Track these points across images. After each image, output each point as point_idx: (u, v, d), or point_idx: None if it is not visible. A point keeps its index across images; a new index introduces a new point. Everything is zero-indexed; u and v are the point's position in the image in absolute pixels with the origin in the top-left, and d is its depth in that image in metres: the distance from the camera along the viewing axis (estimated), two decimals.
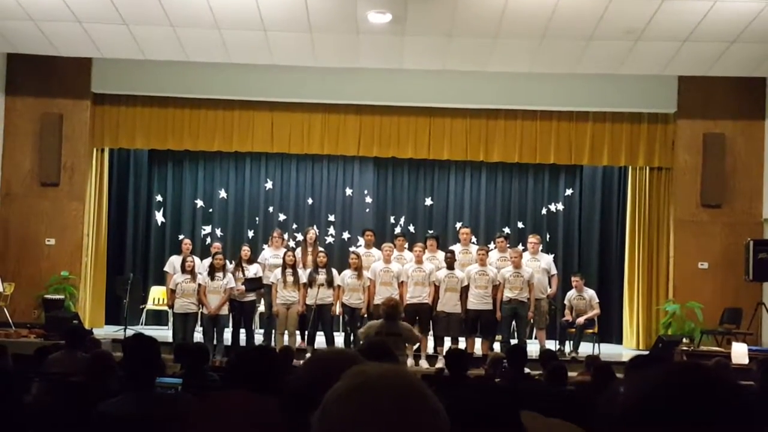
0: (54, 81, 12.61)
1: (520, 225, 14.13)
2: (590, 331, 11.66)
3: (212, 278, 10.95)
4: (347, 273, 11.16)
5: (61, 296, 11.89)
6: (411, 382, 1.32)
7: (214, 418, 2.88)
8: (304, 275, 11.10)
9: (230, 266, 11.32)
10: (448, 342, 10.92)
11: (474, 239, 12.70)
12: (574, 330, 11.50)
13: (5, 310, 11.66)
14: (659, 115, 12.82)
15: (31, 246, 12.53)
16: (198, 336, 11.04)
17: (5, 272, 12.17)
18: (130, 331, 11.39)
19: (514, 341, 10.74)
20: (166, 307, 12.50)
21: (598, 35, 10.60)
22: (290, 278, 11.00)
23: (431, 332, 11.03)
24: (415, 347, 10.79)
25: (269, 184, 14.28)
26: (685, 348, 11.10)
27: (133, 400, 3.58)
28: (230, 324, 11.35)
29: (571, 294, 11.83)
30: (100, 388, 4.49)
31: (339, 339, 11.32)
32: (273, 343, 10.92)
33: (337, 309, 11.21)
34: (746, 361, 9.99)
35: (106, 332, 12.08)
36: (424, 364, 10.79)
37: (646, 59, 11.40)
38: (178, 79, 12.56)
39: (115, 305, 12.88)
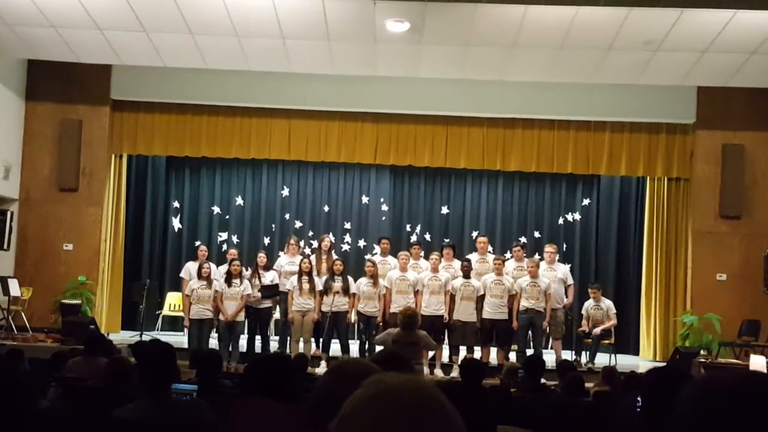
0: (74, 87, 12.70)
1: (536, 234, 14.07)
2: (607, 341, 11.59)
3: (229, 285, 10.96)
4: (363, 281, 11.15)
5: (78, 301, 11.95)
6: (430, 391, 1.31)
7: (233, 424, 2.88)
8: (320, 282, 11.09)
9: (247, 273, 11.33)
10: (463, 351, 10.89)
11: (490, 248, 12.65)
12: (590, 340, 11.44)
13: (23, 314, 11.73)
14: (678, 125, 12.76)
15: (49, 251, 12.61)
16: (213, 342, 11.06)
17: (23, 277, 12.24)
18: (146, 337, 11.45)
19: (529, 351, 10.70)
20: (182, 313, 12.53)
21: (617, 45, 10.56)
22: (306, 285, 11.00)
23: (446, 341, 11.02)
24: (430, 356, 10.80)
25: (286, 192, 14.30)
26: (702, 360, 11.01)
27: (149, 406, 3.58)
28: (246, 330, 11.36)
29: (589, 304, 11.78)
30: (116, 394, 4.50)
31: (354, 347, 11.29)
32: (288, 350, 10.92)
33: (353, 317, 11.20)
34: None
35: (122, 337, 12.14)
36: (438, 372, 10.76)
37: (665, 70, 11.35)
38: (196, 86, 12.62)
39: (132, 311, 12.94)
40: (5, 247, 11.59)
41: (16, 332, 11.16)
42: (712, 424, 1.23)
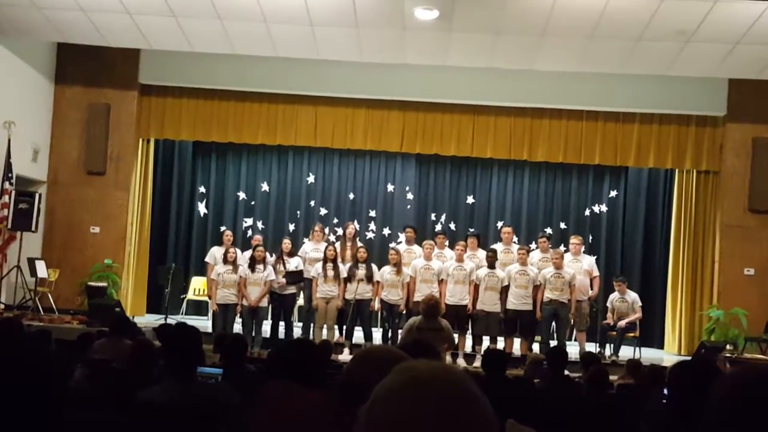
0: (102, 71, 12.78)
1: (562, 225, 14.00)
2: (631, 334, 11.51)
3: (253, 270, 11.01)
4: (387, 269, 11.15)
5: (104, 284, 12.04)
6: (461, 379, 1.30)
7: (259, 407, 2.88)
8: (344, 270, 11.10)
9: (271, 259, 11.37)
10: (486, 341, 10.87)
11: (515, 239, 12.61)
12: (615, 333, 11.38)
13: (49, 295, 11.84)
14: (708, 117, 12.63)
15: (76, 234, 12.72)
16: (237, 327, 11.12)
17: (50, 259, 12.36)
18: (171, 321, 11.51)
19: (553, 342, 10.66)
20: (206, 298, 12.60)
21: (647, 36, 10.43)
22: (331, 272, 11.01)
23: (469, 331, 11.01)
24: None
25: (311, 178, 14.32)
26: (728, 355, 10.92)
27: (175, 388, 3.59)
28: (269, 316, 11.41)
29: (614, 296, 11.70)
30: (141, 376, 4.52)
31: (377, 335, 11.31)
32: (311, 337, 10.95)
33: (376, 305, 11.20)
34: None
35: (147, 321, 12.24)
36: (461, 362, 10.74)
37: (696, 61, 11.19)
38: (224, 71, 12.64)
39: (157, 294, 13.03)
40: (33, 229, 11.69)
41: (42, 313, 11.26)
42: (751, 415, 1.21)
